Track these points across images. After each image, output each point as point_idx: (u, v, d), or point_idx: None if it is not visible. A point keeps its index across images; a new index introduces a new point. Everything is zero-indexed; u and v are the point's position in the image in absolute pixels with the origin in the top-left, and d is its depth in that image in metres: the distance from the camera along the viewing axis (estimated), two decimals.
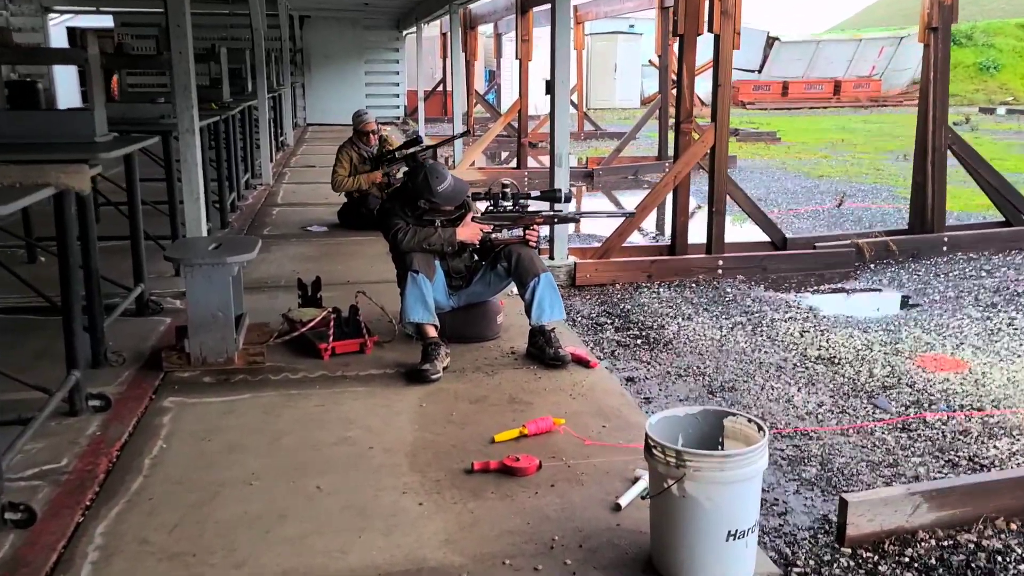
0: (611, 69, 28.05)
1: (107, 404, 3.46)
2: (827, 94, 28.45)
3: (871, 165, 13.75)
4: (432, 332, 4.09)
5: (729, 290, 6.10)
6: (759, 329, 5.21)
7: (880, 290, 6.34)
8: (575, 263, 6.17)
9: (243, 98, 9.50)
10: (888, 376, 4.51)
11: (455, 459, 3.05)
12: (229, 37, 15.59)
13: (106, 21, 18.29)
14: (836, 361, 4.72)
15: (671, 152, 13.92)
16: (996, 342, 4.97)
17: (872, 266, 6.83)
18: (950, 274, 6.53)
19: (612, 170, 12.97)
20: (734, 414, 2.48)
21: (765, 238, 7.01)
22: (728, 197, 6.54)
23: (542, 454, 3.06)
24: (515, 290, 4.44)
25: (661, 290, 6.13)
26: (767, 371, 4.57)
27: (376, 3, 16.60)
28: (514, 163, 13.66)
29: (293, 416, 3.43)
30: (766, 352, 4.83)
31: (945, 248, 7.04)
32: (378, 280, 5.38)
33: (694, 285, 6.24)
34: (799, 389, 4.33)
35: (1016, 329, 5.20)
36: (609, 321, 5.52)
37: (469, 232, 4.34)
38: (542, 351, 4.14)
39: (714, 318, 5.43)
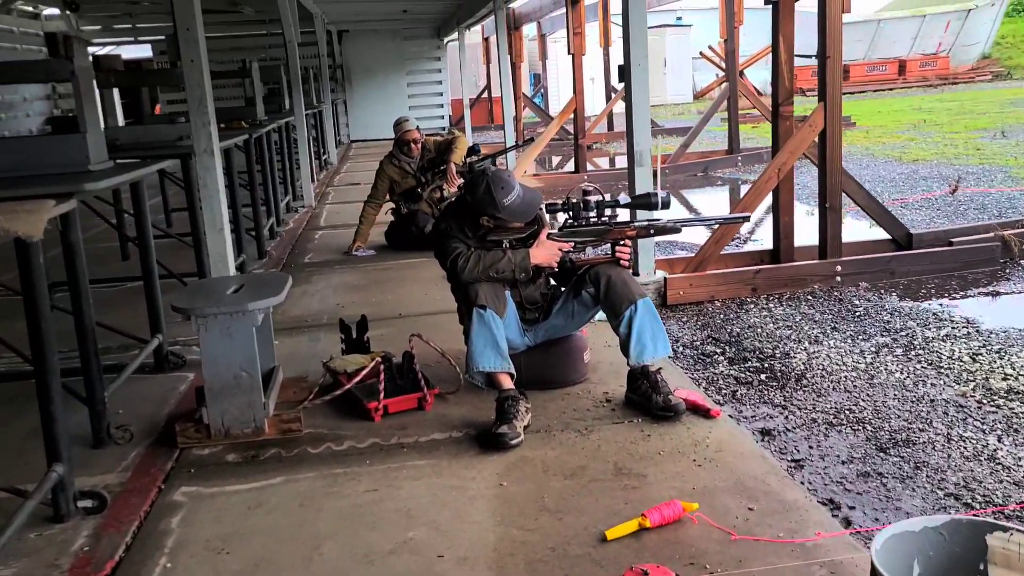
0: (660, 64, 27.02)
1: (102, 504, 2.70)
2: (891, 75, 26.99)
3: (968, 145, 12.55)
4: (507, 382, 3.27)
5: (857, 302, 5.16)
6: (912, 352, 4.26)
7: None
8: (664, 278, 5.30)
9: (279, 116, 8.82)
10: None
11: (557, 570, 2.21)
12: (268, 57, 15.07)
13: (146, 51, 17.99)
14: None
15: (743, 144, 13.12)
16: None
17: (1023, 262, 5.81)
18: None
19: (679, 167, 12.03)
20: (1004, 528, 1.59)
21: (881, 236, 6.04)
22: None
23: (675, 558, 2.22)
24: (600, 316, 3.59)
25: (771, 306, 5.22)
26: (945, 413, 3.63)
27: (415, 11, 15.92)
28: (571, 166, 12.82)
29: (337, 509, 2.62)
30: (933, 385, 3.90)
31: None
32: (434, 311, 4.59)
33: (810, 298, 5.31)
34: (1000, 438, 3.39)
35: None
36: (718, 350, 4.64)
37: (545, 253, 3.51)
38: (647, 398, 3.29)
39: (849, 340, 4.51)
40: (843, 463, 3.31)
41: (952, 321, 4.65)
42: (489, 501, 2.62)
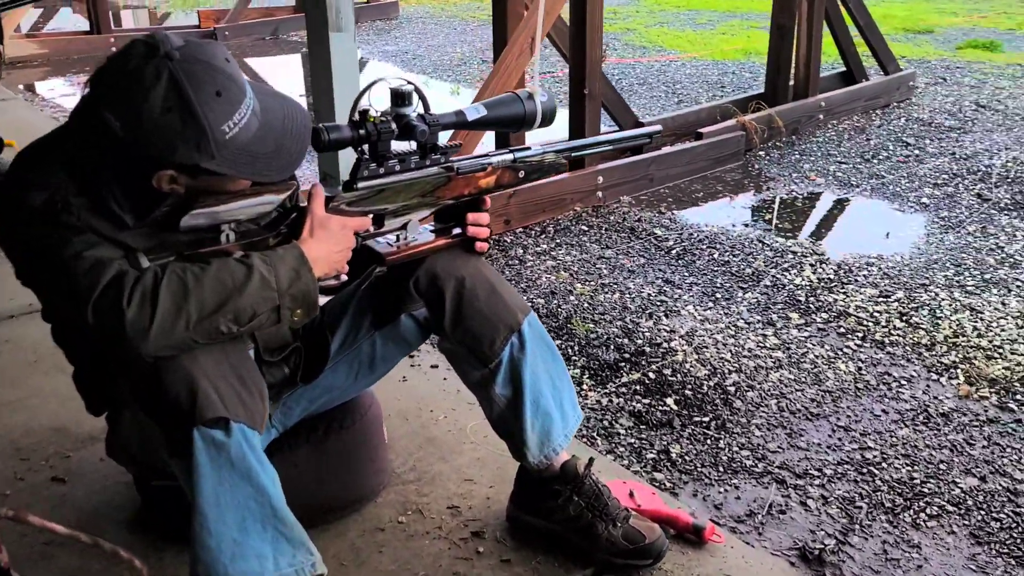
0: None
1: None
2: None
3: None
4: None
5: (645, 226, 3.72)
6: (810, 315, 2.85)
7: (820, 192, 4.37)
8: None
9: None
10: None
11: None
12: None
13: None
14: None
15: None
16: None
17: (761, 153, 4.92)
18: (869, 154, 4.82)
19: (241, 28, 9.44)
20: None
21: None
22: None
23: None
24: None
25: (545, 245, 3.52)
26: (996, 444, 2.30)
27: None
28: (77, 23, 9.39)
29: None
30: (911, 381, 2.51)
31: (823, 116, 5.34)
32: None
33: (584, 227, 3.74)
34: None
35: None
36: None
37: (331, 248, 1.46)
38: (582, 531, 1.57)
39: (701, 297, 3.02)
40: None
41: (789, 251, 3.45)
42: None
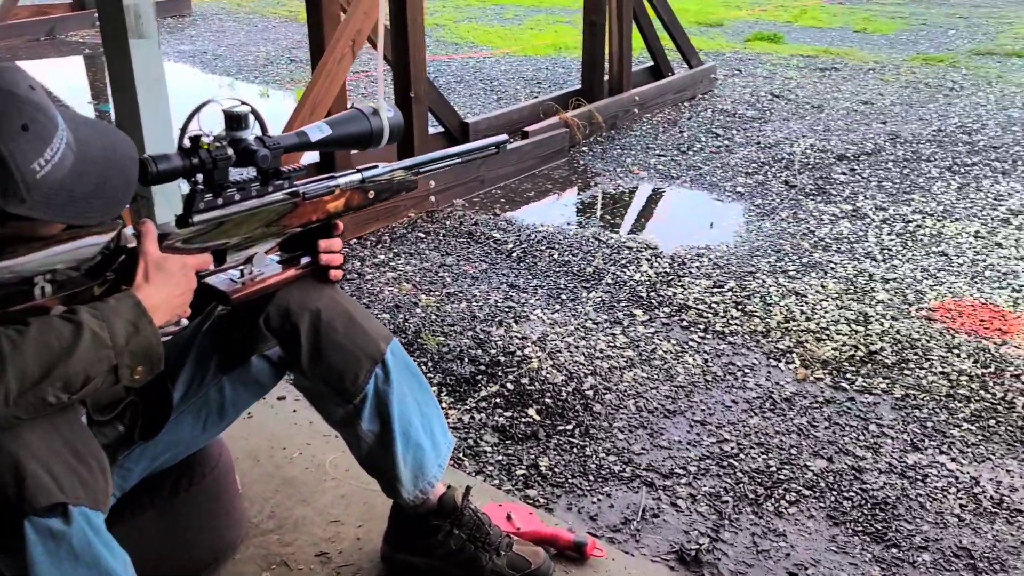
0: None
1: None
2: None
3: None
4: None
5: (488, 232, 3.66)
6: (652, 309, 2.91)
7: (645, 186, 4.46)
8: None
9: None
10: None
11: None
12: None
13: None
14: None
15: None
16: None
17: (585, 148, 4.98)
18: (684, 146, 4.99)
19: (10, 29, 8.47)
20: None
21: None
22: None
23: None
24: None
25: (384, 256, 3.35)
26: (854, 430, 2.40)
27: None
28: None
29: None
30: (754, 369, 2.58)
31: (637, 111, 5.50)
32: None
33: (422, 235, 3.61)
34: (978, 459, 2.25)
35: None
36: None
37: (170, 292, 1.30)
38: (474, 570, 1.52)
39: (547, 300, 2.98)
40: None
41: (625, 247, 3.47)
42: None
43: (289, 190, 1.47)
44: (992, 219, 3.85)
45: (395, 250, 3.49)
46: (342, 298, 1.56)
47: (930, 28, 9.47)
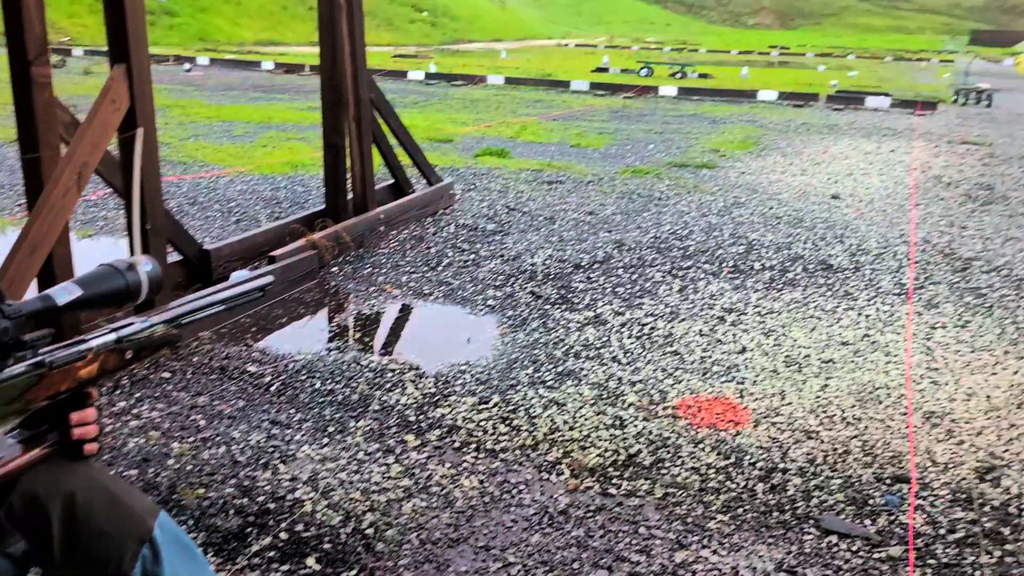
0: None
1: None
2: None
3: None
4: None
5: (241, 366, 3.43)
6: (422, 428, 2.83)
7: (399, 304, 4.45)
8: None
9: None
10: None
11: None
12: None
13: None
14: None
15: None
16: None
17: (335, 269, 4.89)
18: (432, 261, 5.07)
19: None
20: None
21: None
22: None
23: None
24: None
25: (125, 405, 2.99)
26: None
27: None
28: None
29: None
30: (516, 471, 2.56)
31: (383, 228, 5.54)
32: None
33: (167, 375, 3.30)
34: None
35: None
36: None
37: None
38: None
39: (317, 435, 2.77)
40: None
41: (387, 370, 3.41)
42: None
43: (33, 360, 1.30)
44: (711, 318, 4.30)
45: (136, 395, 3.19)
46: (100, 474, 1.40)
47: (633, 143, 10.61)
